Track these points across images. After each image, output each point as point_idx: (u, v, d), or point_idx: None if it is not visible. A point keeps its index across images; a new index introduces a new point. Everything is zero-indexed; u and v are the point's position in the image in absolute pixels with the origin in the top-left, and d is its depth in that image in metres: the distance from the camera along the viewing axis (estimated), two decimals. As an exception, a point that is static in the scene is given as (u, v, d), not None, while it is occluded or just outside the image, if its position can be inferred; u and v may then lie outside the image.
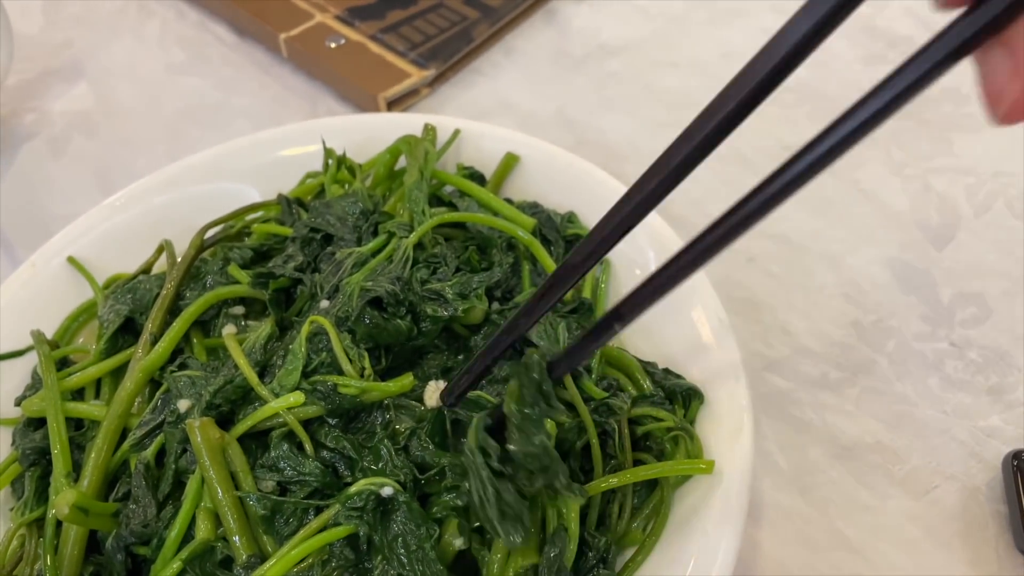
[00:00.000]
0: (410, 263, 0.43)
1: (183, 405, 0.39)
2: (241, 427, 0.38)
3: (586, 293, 0.48)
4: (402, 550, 0.36)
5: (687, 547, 0.37)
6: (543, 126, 0.65)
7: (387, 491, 0.37)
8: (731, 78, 0.24)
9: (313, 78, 0.70)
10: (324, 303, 0.42)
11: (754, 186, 0.25)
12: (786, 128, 0.59)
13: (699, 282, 0.45)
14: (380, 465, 0.38)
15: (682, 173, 0.27)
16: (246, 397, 0.40)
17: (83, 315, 0.49)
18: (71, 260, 0.50)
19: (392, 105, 0.65)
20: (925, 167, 0.59)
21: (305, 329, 0.40)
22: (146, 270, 0.50)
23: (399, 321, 0.41)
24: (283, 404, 0.38)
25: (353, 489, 0.37)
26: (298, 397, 0.38)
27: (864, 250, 0.55)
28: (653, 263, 0.47)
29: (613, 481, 0.39)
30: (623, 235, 0.31)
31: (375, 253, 0.44)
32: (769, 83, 0.24)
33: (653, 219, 0.47)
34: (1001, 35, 0.20)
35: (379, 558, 0.36)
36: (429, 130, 0.53)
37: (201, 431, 0.37)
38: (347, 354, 0.39)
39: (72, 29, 0.77)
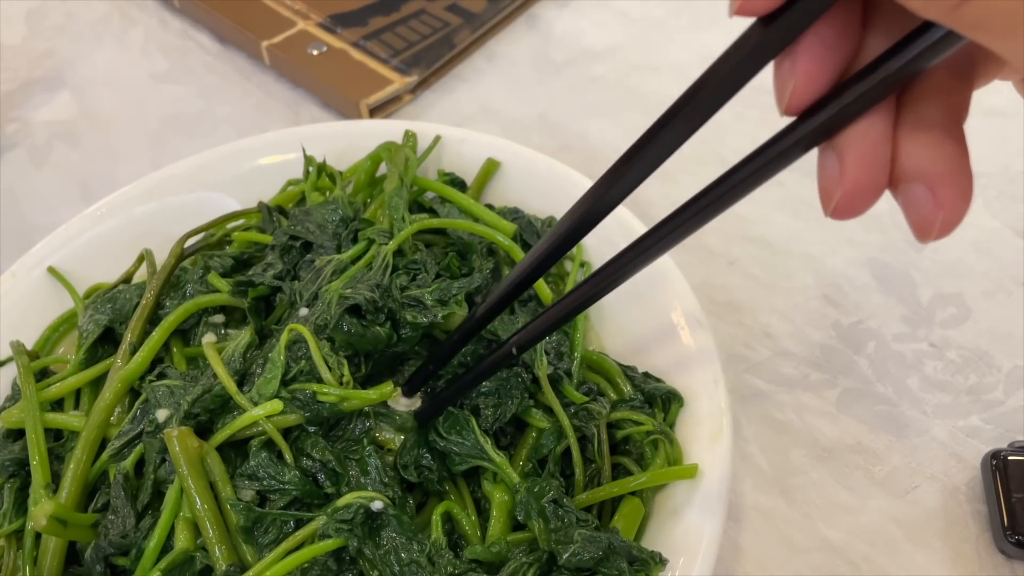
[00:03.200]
0: (390, 270, 0.43)
1: (162, 415, 0.39)
2: (220, 436, 0.38)
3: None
4: (396, 565, 0.36)
5: (667, 550, 0.37)
6: (526, 131, 0.66)
7: (377, 505, 0.37)
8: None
9: (296, 85, 0.70)
10: (303, 311, 0.42)
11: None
12: (766, 132, 0.59)
13: (678, 285, 0.45)
14: (366, 480, 0.38)
15: (641, 174, 0.29)
16: (225, 406, 0.40)
17: (63, 325, 0.49)
18: (51, 270, 0.50)
19: (375, 112, 0.66)
20: (904, 169, 0.60)
21: (284, 337, 0.40)
22: (126, 280, 0.50)
23: (378, 328, 0.41)
24: (261, 413, 0.38)
25: (342, 502, 0.37)
26: (276, 405, 0.38)
27: (844, 252, 0.56)
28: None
29: (601, 494, 0.39)
30: (583, 235, 0.31)
31: (355, 260, 0.44)
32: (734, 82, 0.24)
33: (634, 224, 0.48)
34: (833, 141, 0.22)
35: (375, 573, 0.36)
36: (410, 136, 0.53)
37: (179, 440, 0.37)
38: (326, 362, 0.40)
39: (55, 38, 0.77)
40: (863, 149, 0.22)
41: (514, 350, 0.36)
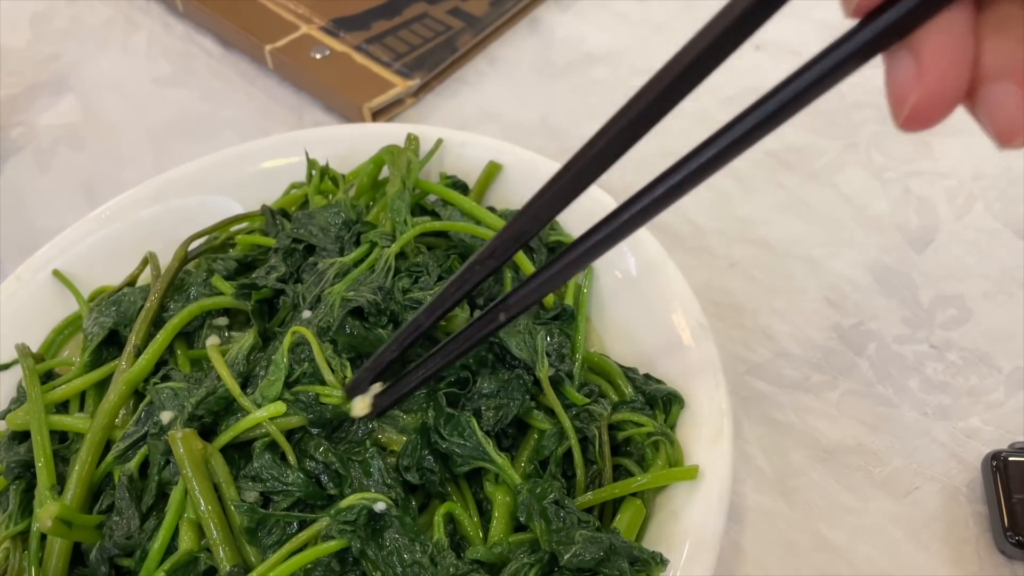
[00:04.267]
0: (392, 272, 0.44)
1: (166, 417, 0.40)
2: (224, 438, 0.39)
3: (568, 299, 0.48)
4: (398, 566, 0.36)
5: (668, 550, 0.37)
6: (527, 134, 0.66)
7: (380, 506, 0.37)
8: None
9: (299, 89, 0.70)
10: (306, 313, 0.43)
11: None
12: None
13: (679, 287, 0.45)
14: (369, 482, 0.38)
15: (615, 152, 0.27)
16: (229, 408, 0.40)
17: (68, 328, 0.49)
18: (56, 273, 0.50)
19: (377, 115, 0.66)
20: (905, 171, 0.60)
21: (287, 340, 0.40)
22: (131, 283, 0.50)
23: (381, 330, 0.41)
24: (265, 415, 0.38)
25: (345, 503, 0.37)
26: (279, 408, 0.38)
27: (845, 253, 0.56)
28: (634, 268, 0.47)
29: (602, 496, 0.39)
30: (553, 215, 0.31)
31: (357, 263, 0.45)
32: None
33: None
34: (907, 39, 0.20)
35: (378, 574, 0.36)
36: (412, 140, 0.53)
37: (183, 442, 0.37)
38: (329, 364, 0.40)
39: (59, 43, 0.77)
40: (944, 42, 0.20)
41: (502, 316, 0.33)
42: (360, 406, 0.38)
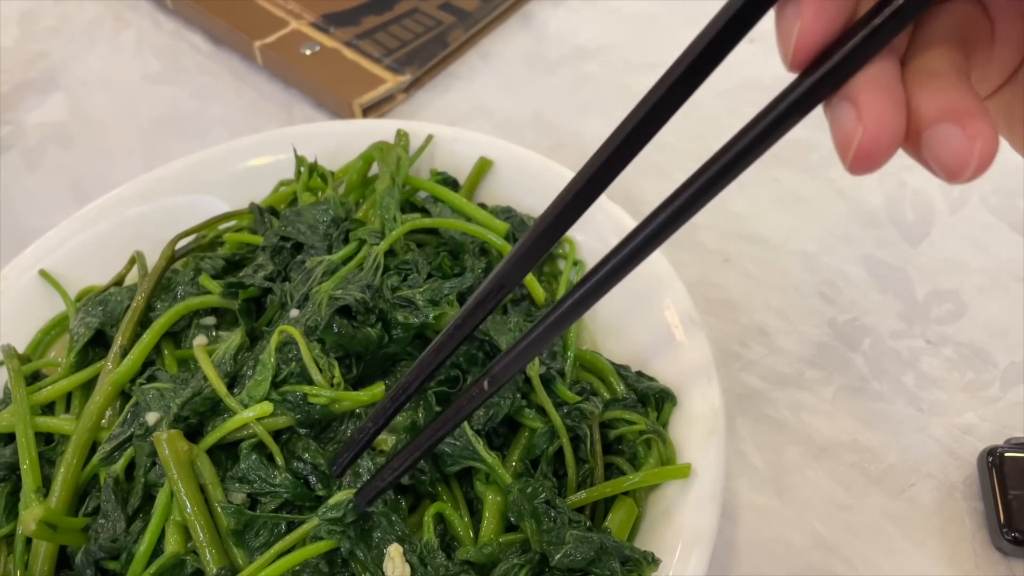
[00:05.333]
0: (381, 270, 0.43)
1: (151, 418, 0.39)
2: (210, 439, 0.38)
3: (559, 296, 0.47)
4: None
5: (660, 549, 0.37)
6: (520, 130, 0.65)
7: None
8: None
9: (289, 85, 0.69)
10: (294, 312, 0.42)
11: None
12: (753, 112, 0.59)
13: (671, 283, 0.45)
14: (358, 482, 0.38)
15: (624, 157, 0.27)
16: (215, 409, 0.39)
17: (55, 329, 0.49)
18: (43, 273, 0.50)
19: (368, 111, 0.65)
20: (899, 164, 0.59)
21: (274, 339, 0.40)
22: (118, 282, 0.50)
23: (369, 329, 0.41)
24: (252, 415, 0.38)
25: (333, 500, 0.36)
26: (266, 408, 0.38)
27: (840, 248, 0.55)
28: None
29: (593, 495, 0.39)
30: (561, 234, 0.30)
31: (345, 261, 0.44)
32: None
33: (627, 220, 0.47)
34: (844, 90, 0.22)
35: (367, 574, 0.36)
36: (401, 136, 0.53)
37: (169, 444, 0.37)
38: (317, 363, 0.39)
39: (48, 40, 0.76)
40: (878, 87, 0.21)
41: (486, 384, 0.31)
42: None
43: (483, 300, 0.31)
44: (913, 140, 0.22)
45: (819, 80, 0.22)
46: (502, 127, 0.65)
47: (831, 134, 0.22)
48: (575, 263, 0.49)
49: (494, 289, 0.30)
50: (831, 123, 0.22)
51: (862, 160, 0.22)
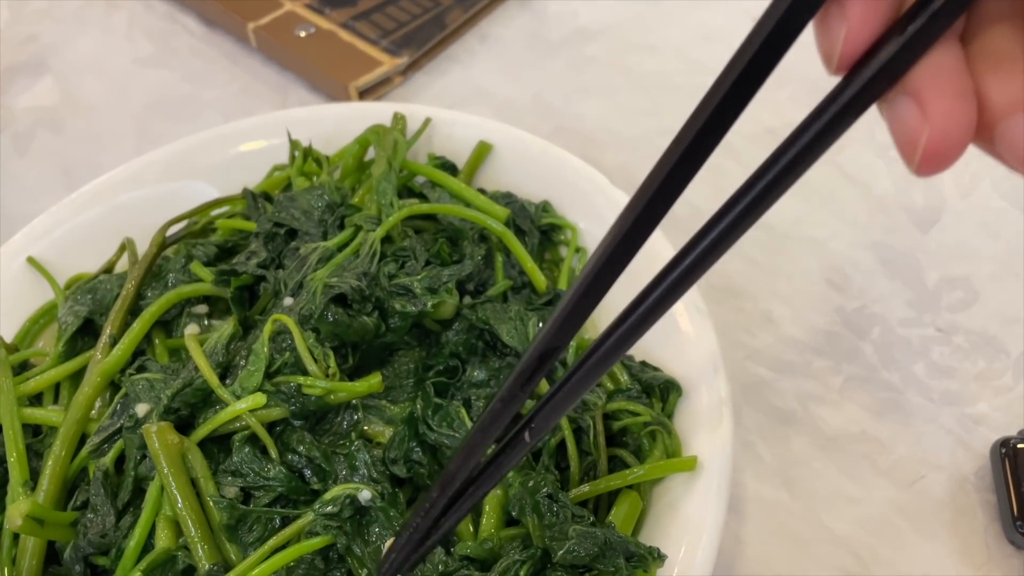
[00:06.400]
0: (377, 257, 0.42)
1: (141, 409, 0.38)
2: (201, 431, 0.37)
3: (561, 284, 0.46)
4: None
5: (665, 544, 0.35)
6: (520, 114, 0.64)
7: (365, 496, 0.36)
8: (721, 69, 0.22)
9: (283, 68, 0.68)
10: (288, 301, 0.41)
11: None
12: (768, 112, 0.58)
13: (677, 271, 0.43)
14: (355, 476, 0.37)
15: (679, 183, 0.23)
16: (207, 400, 0.38)
17: (43, 317, 0.48)
18: (31, 260, 0.48)
19: (364, 94, 0.64)
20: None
21: (267, 328, 0.38)
22: (108, 270, 0.48)
23: (365, 318, 0.40)
24: (244, 406, 0.37)
25: (329, 495, 0.35)
26: (259, 399, 0.36)
27: (848, 234, 0.54)
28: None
29: (597, 488, 0.38)
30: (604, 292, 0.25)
31: (341, 248, 0.43)
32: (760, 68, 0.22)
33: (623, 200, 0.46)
34: (902, 84, 0.20)
35: (364, 573, 0.35)
36: (398, 119, 0.51)
37: (158, 436, 0.36)
38: (312, 353, 0.38)
39: (38, 23, 0.75)
40: (942, 78, 0.19)
41: (527, 436, 0.28)
42: None
43: (533, 366, 0.27)
44: (985, 133, 0.20)
45: (874, 76, 0.19)
46: (502, 110, 0.64)
47: (892, 135, 0.20)
48: (577, 250, 0.48)
49: (546, 352, 0.27)
50: (891, 123, 0.20)
51: (931, 162, 0.20)
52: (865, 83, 0.19)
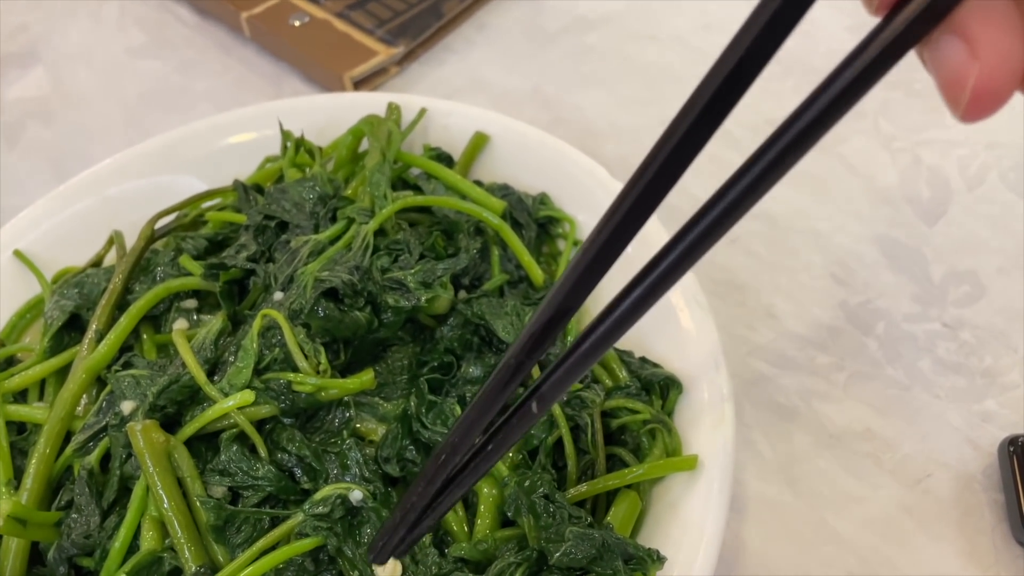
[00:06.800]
0: (370, 251, 0.41)
1: (127, 407, 0.37)
2: (188, 429, 0.36)
3: (558, 276, 0.45)
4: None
5: (665, 545, 0.34)
6: (518, 104, 0.63)
7: (356, 496, 0.35)
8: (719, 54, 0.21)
9: (278, 59, 0.67)
10: (278, 295, 0.40)
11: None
12: (771, 102, 0.56)
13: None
14: (347, 475, 0.36)
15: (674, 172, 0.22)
16: (194, 397, 0.37)
17: (30, 312, 0.47)
18: (17, 254, 0.47)
19: (359, 85, 0.63)
20: (915, 139, 0.57)
21: (257, 323, 0.37)
22: (96, 263, 0.47)
23: (357, 313, 0.39)
24: (232, 404, 0.36)
25: (319, 495, 0.34)
26: (248, 396, 0.36)
27: (852, 228, 0.53)
28: (629, 244, 0.44)
29: (595, 488, 0.37)
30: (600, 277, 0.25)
31: (333, 241, 0.42)
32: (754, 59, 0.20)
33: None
34: (947, 23, 0.18)
35: (355, 574, 0.34)
36: (393, 109, 0.50)
37: (143, 434, 0.35)
38: (302, 349, 0.37)
39: (28, 13, 0.74)
40: (990, 14, 0.18)
41: (534, 406, 0.27)
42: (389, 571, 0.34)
43: (540, 331, 0.26)
44: None
45: (918, 15, 0.18)
46: (499, 101, 0.63)
47: (936, 78, 0.19)
48: (575, 243, 0.47)
49: (555, 316, 0.26)
50: (933, 64, 0.19)
51: (979, 103, 0.18)
52: (909, 23, 0.18)
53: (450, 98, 0.54)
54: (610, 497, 0.37)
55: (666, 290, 0.23)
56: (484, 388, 0.28)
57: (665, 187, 0.22)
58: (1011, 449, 0.42)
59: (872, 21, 0.19)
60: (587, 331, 0.25)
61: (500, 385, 0.27)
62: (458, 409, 0.38)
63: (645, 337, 0.42)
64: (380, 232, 0.43)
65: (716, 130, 0.21)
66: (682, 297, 0.41)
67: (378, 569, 0.34)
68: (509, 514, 0.35)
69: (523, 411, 0.27)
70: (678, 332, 0.41)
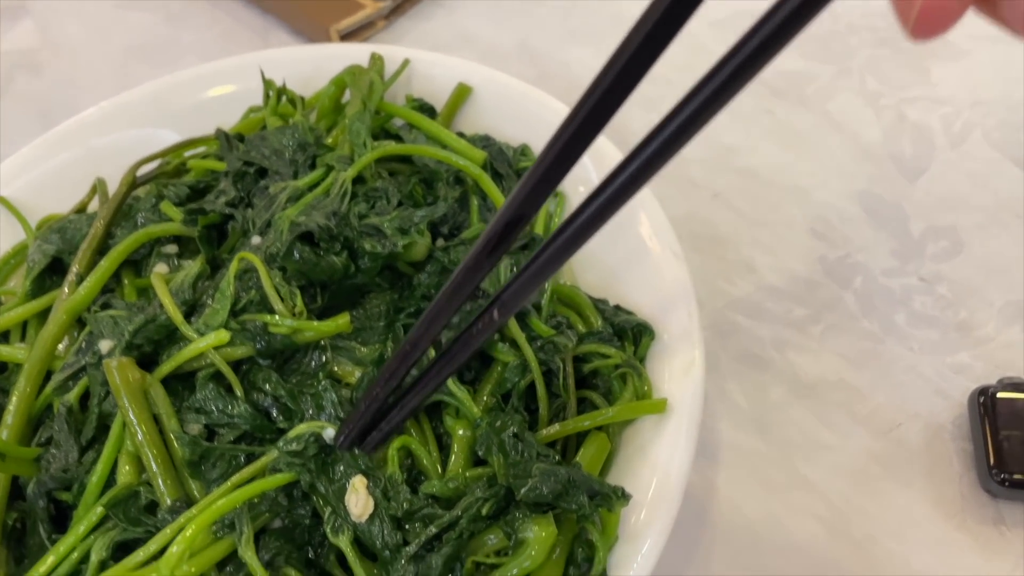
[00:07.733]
0: (348, 197, 0.41)
1: (105, 346, 0.37)
2: (165, 368, 0.37)
3: (538, 228, 0.45)
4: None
5: (633, 485, 0.35)
6: (505, 60, 0.63)
7: (330, 433, 0.35)
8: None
9: (264, 11, 0.67)
10: (256, 239, 0.40)
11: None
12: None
13: (654, 216, 0.43)
14: (322, 415, 0.36)
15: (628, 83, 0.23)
16: (171, 337, 0.38)
17: (15, 258, 0.47)
18: (2, 201, 0.48)
19: (346, 38, 0.63)
20: (900, 97, 0.57)
21: (234, 266, 0.38)
22: (80, 210, 0.48)
23: (334, 257, 0.39)
24: (207, 343, 0.36)
25: (293, 432, 0.35)
26: (223, 336, 0.36)
27: (834, 183, 0.53)
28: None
29: (565, 429, 0.37)
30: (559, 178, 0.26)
31: (311, 187, 0.42)
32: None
33: (611, 152, 0.45)
34: None
35: (328, 510, 0.34)
36: (376, 60, 0.50)
37: (119, 371, 0.35)
38: (278, 292, 0.37)
39: (17, -35, 0.73)
40: None
41: (496, 314, 0.29)
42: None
43: (499, 233, 0.27)
44: None
45: None
46: (486, 56, 0.63)
47: None
48: (555, 195, 0.47)
49: (512, 220, 0.27)
50: None
51: (927, 24, 0.18)
52: None
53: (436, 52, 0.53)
54: (581, 439, 0.38)
55: (623, 203, 0.24)
56: (445, 286, 0.29)
57: (616, 101, 0.23)
58: (981, 399, 0.42)
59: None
60: (548, 242, 0.26)
61: (459, 284, 0.28)
62: (433, 354, 0.38)
63: (620, 285, 0.43)
64: (359, 180, 0.43)
65: (672, 39, 0.21)
66: (658, 246, 0.42)
67: (350, 503, 0.34)
68: (480, 453, 0.36)
69: (486, 318, 0.29)
70: (652, 280, 0.41)
